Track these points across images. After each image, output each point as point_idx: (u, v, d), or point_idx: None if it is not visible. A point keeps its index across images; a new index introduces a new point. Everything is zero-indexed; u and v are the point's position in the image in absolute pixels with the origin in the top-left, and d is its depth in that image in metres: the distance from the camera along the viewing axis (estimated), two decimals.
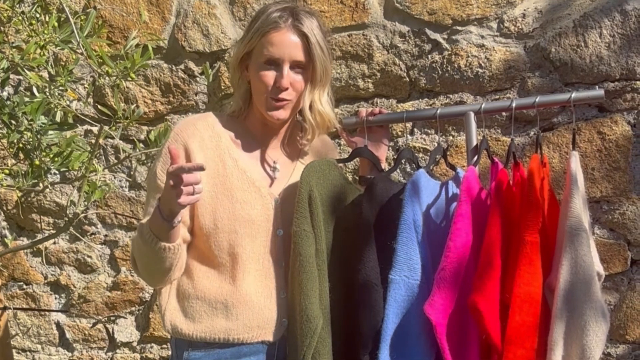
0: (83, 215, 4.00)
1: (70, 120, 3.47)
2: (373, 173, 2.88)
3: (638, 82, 3.51)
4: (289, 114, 2.66)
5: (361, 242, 2.68)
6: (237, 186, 2.62)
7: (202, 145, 2.62)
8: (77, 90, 3.90)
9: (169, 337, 2.73)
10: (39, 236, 4.18)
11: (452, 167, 2.94)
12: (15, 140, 3.26)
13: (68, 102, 3.55)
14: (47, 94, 3.39)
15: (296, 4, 2.76)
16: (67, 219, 3.82)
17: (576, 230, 2.58)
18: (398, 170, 3.59)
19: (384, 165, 2.92)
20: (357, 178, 2.90)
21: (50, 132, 3.29)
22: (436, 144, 3.19)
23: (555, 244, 2.66)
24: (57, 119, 3.37)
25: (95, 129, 4.03)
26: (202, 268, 2.62)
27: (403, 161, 3.00)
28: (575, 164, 2.69)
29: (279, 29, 2.60)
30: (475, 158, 2.81)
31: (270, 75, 2.61)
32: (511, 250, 2.64)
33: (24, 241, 4.20)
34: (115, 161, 3.98)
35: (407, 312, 2.59)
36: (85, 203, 3.64)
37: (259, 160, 2.72)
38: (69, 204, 3.98)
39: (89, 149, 3.49)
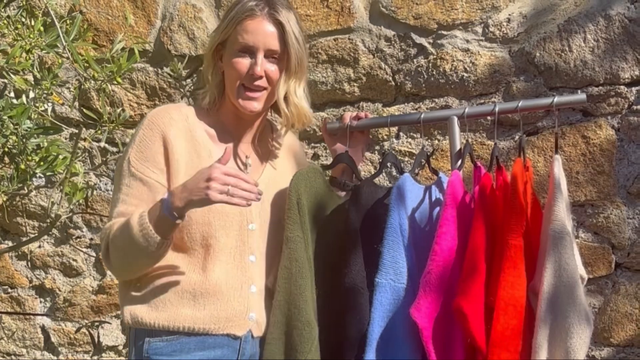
0: (67, 218, 3.99)
1: (53, 124, 3.47)
2: (345, 177, 2.88)
3: (622, 86, 3.53)
4: (261, 105, 2.64)
5: (347, 247, 2.68)
6: None
7: (178, 135, 2.59)
8: (62, 93, 3.90)
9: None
10: (24, 239, 4.17)
11: (435, 172, 2.95)
12: (0, 144, 3.26)
13: (45, 107, 3.54)
14: (34, 96, 3.39)
15: None
16: (49, 220, 3.81)
17: (560, 233, 2.59)
18: (383, 173, 3.60)
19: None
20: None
21: (36, 136, 3.29)
22: (421, 148, 3.20)
23: (539, 248, 2.68)
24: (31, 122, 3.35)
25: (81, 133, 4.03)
26: (170, 257, 2.57)
27: (388, 165, 3.00)
28: (559, 168, 2.70)
29: (254, 16, 2.59)
30: (459, 162, 2.83)
31: (244, 63, 2.59)
32: (495, 254, 2.65)
33: (9, 245, 4.19)
34: (100, 164, 3.97)
35: (393, 315, 2.60)
36: (67, 204, 3.64)
37: (232, 154, 2.69)
38: (50, 206, 3.97)
39: (69, 152, 3.49)
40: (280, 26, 2.60)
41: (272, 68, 2.62)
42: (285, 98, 2.65)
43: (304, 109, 2.69)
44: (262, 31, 2.59)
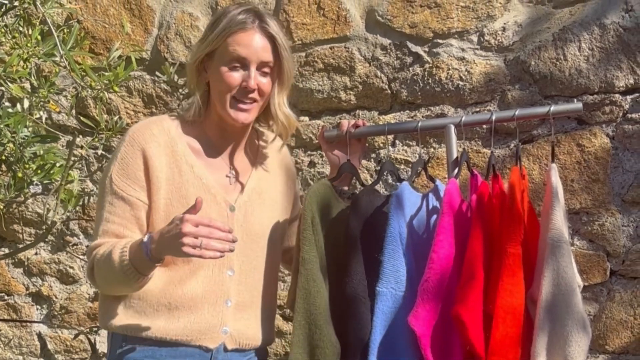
0: (64, 225, 4.00)
1: (43, 133, 3.47)
2: (342, 184, 2.89)
3: (616, 95, 3.55)
4: (252, 117, 2.65)
5: (348, 256, 2.70)
6: (192, 193, 2.60)
7: (159, 151, 2.60)
8: (59, 101, 3.90)
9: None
10: (21, 247, 4.18)
11: (432, 179, 2.96)
12: None
13: (39, 115, 3.55)
14: (32, 104, 3.40)
15: (258, 7, 2.76)
16: (45, 227, 3.82)
17: (557, 242, 2.61)
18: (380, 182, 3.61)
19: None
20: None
21: (33, 144, 3.30)
22: (417, 156, 3.21)
23: (537, 256, 2.69)
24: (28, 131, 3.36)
25: (77, 140, 4.03)
26: None
27: (385, 173, 3.02)
28: (556, 176, 2.72)
29: (246, 29, 2.60)
30: (456, 170, 2.84)
31: (236, 76, 2.60)
32: (493, 262, 2.66)
33: (5, 252, 4.19)
34: (95, 171, 3.98)
35: (394, 323, 2.61)
36: (62, 211, 3.64)
37: (215, 167, 2.70)
38: (46, 212, 3.98)
39: (64, 159, 3.49)
40: (271, 39, 2.62)
41: (264, 80, 2.63)
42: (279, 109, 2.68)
43: (293, 117, 2.72)
44: (255, 44, 2.60)
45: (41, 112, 3.56)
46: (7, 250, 4.19)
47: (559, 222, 2.62)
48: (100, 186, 2.66)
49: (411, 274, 2.66)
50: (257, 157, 2.80)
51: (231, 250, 2.39)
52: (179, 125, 2.69)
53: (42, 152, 3.37)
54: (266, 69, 2.63)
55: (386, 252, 2.65)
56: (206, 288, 2.61)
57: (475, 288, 2.59)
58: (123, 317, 2.59)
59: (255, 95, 2.62)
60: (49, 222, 3.64)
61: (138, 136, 2.61)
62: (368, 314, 2.63)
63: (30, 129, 3.35)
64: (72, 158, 3.54)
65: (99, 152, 3.90)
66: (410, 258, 2.68)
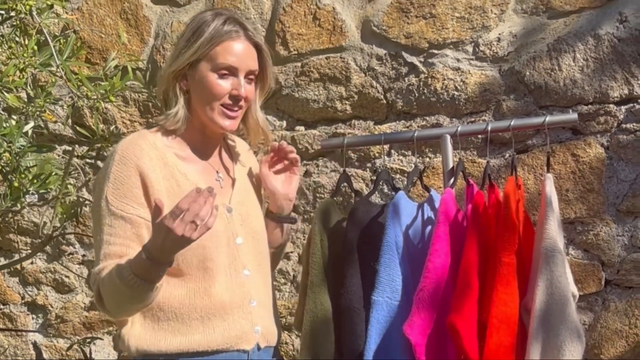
0: (60, 235, 4.00)
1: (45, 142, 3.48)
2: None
3: (611, 105, 3.56)
4: (237, 124, 2.67)
5: (345, 266, 2.72)
6: None
7: (153, 165, 2.58)
8: (55, 111, 3.91)
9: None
10: (17, 256, 4.18)
11: (427, 189, 2.98)
12: None
13: (42, 124, 3.56)
14: (28, 114, 3.40)
15: (238, 14, 2.78)
16: (42, 239, 3.82)
17: (551, 251, 2.62)
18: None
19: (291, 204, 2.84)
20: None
21: (29, 154, 3.30)
22: (413, 166, 3.23)
23: (531, 265, 2.71)
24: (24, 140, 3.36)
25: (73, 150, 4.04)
26: (169, 287, 2.56)
27: (381, 182, 3.03)
28: (550, 186, 2.73)
29: (234, 38, 2.61)
30: (452, 180, 2.86)
31: (225, 85, 2.60)
32: (488, 271, 2.67)
33: (1, 261, 4.19)
34: (92, 182, 3.99)
35: (389, 333, 2.63)
36: (59, 223, 3.64)
37: (205, 172, 2.70)
38: (42, 224, 3.98)
39: (61, 169, 3.50)
40: (257, 47, 2.65)
41: (250, 89, 2.65)
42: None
43: (266, 122, 2.76)
44: (244, 53, 2.62)
45: (36, 121, 3.57)
46: (2, 260, 4.19)
47: (553, 231, 2.63)
48: (94, 211, 2.60)
49: (407, 283, 2.67)
50: (232, 156, 2.81)
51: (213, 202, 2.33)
52: (162, 137, 2.67)
53: (38, 161, 3.37)
54: (251, 76, 2.65)
55: (382, 261, 2.66)
56: (231, 292, 2.60)
57: (469, 297, 2.60)
58: (156, 342, 2.55)
59: (242, 102, 2.64)
60: (46, 234, 3.64)
61: (128, 153, 2.57)
62: (362, 325, 2.65)
63: (27, 138, 3.35)
64: (63, 167, 3.54)
65: (94, 162, 3.90)
66: (406, 267, 2.69)
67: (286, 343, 3.87)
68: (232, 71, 2.61)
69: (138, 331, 2.58)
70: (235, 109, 2.63)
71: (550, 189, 2.72)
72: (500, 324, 2.58)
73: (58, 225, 3.69)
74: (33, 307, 4.25)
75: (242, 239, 2.65)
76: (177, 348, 2.56)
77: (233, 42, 2.61)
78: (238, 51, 2.61)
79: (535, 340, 2.60)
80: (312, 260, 2.69)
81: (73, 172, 3.93)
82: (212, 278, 2.58)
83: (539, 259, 2.64)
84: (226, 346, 2.58)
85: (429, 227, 2.84)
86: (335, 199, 2.88)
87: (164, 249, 2.35)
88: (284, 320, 3.82)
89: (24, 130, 3.30)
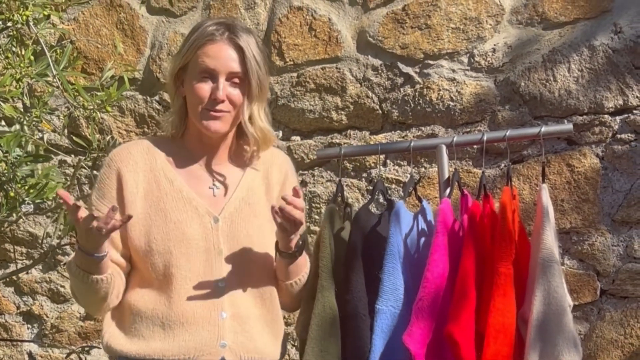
0: (57, 245, 4.00)
1: (41, 152, 3.48)
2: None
3: (606, 115, 3.58)
4: (226, 127, 2.63)
5: (350, 272, 2.73)
6: (171, 206, 2.61)
7: (136, 169, 2.63)
8: (51, 121, 3.91)
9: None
10: (12, 266, 4.17)
11: (419, 199, 2.99)
12: None
13: (40, 135, 3.56)
14: (24, 124, 3.40)
15: (234, 20, 2.77)
16: (42, 250, 3.82)
17: (548, 262, 2.63)
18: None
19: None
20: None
21: (25, 164, 3.30)
22: (409, 176, 3.24)
23: (528, 276, 2.71)
24: (28, 148, 3.37)
25: (69, 159, 4.04)
26: (141, 290, 2.61)
27: (377, 192, 3.05)
28: (546, 196, 2.74)
29: (215, 41, 2.60)
30: (449, 190, 2.87)
31: (205, 88, 2.59)
32: (485, 281, 2.68)
33: None
34: (89, 192, 3.99)
35: (393, 341, 2.64)
36: (61, 235, 3.64)
37: (198, 179, 2.69)
38: (44, 236, 3.98)
39: (63, 179, 3.50)
40: (240, 50, 2.61)
41: (235, 92, 2.61)
42: (251, 120, 2.65)
43: (268, 129, 2.70)
44: (223, 55, 2.60)
45: (39, 132, 3.57)
46: None
47: (550, 242, 2.64)
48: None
49: (408, 292, 2.68)
50: (245, 165, 2.76)
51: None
52: (159, 143, 2.71)
53: (35, 171, 3.37)
54: (236, 80, 2.62)
55: (386, 270, 2.68)
56: (197, 302, 2.59)
57: (467, 307, 2.60)
58: (123, 342, 2.61)
59: (225, 106, 2.60)
60: (47, 247, 3.63)
61: (115, 157, 2.66)
62: (368, 332, 2.66)
63: (27, 147, 3.35)
64: (64, 178, 3.54)
65: (93, 172, 3.90)
66: (407, 275, 2.71)
67: None
68: (211, 74, 2.60)
69: (111, 328, 2.65)
70: (216, 111, 2.60)
71: (546, 199, 2.73)
72: (497, 333, 2.58)
73: (61, 236, 3.69)
74: (28, 316, 4.25)
75: (226, 250, 2.63)
76: (136, 352, 2.59)
77: (212, 45, 2.60)
78: (216, 53, 2.60)
79: (533, 350, 2.60)
80: (322, 264, 2.69)
81: (72, 183, 3.93)
82: (177, 286, 2.58)
83: (536, 269, 2.65)
84: (184, 357, 2.57)
85: (423, 238, 2.85)
86: (336, 205, 2.90)
87: (81, 237, 2.44)
88: None
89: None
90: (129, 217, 2.44)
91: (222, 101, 2.59)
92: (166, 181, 2.64)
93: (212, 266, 2.61)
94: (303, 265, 2.73)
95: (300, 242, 2.65)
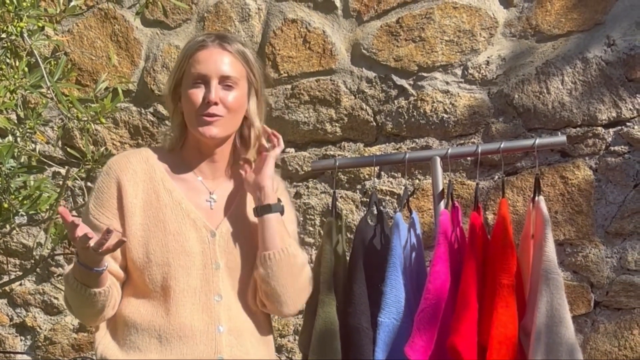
0: (50, 256, 3.99)
1: (35, 163, 3.47)
2: None
3: (599, 127, 3.59)
4: (222, 132, 2.61)
5: (352, 285, 2.73)
6: (170, 218, 2.59)
7: (135, 178, 2.60)
8: (45, 132, 3.91)
9: None
10: (5, 277, 4.17)
11: (410, 211, 2.99)
12: None
13: (32, 146, 3.56)
14: (17, 135, 3.40)
15: (227, 33, 2.78)
16: (33, 261, 3.81)
17: (551, 274, 2.64)
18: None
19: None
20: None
21: (19, 175, 3.29)
22: (403, 187, 3.24)
23: (530, 287, 2.72)
24: (21, 160, 3.37)
25: (63, 171, 4.04)
26: (137, 302, 2.59)
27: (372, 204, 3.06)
28: (545, 208, 2.76)
29: (206, 47, 2.60)
30: (446, 202, 2.88)
31: (198, 93, 2.58)
32: (486, 293, 2.68)
33: None
34: (83, 203, 3.99)
35: (396, 354, 2.64)
36: (52, 245, 3.63)
37: (196, 192, 2.67)
38: (35, 246, 3.97)
39: (57, 191, 3.49)
40: (231, 54, 2.61)
41: (229, 97, 2.59)
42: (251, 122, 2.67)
43: (255, 136, 2.71)
44: (213, 59, 2.59)
45: (32, 143, 3.57)
46: None
47: (552, 253, 2.65)
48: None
49: (409, 304, 2.69)
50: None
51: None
52: (159, 154, 2.69)
53: (31, 182, 3.36)
54: (229, 83, 2.60)
55: (388, 282, 2.69)
56: (195, 316, 2.58)
57: (469, 318, 2.61)
58: (118, 353, 2.58)
59: (218, 109, 2.58)
60: (38, 257, 3.63)
61: (114, 166, 2.63)
62: (370, 345, 2.67)
63: (21, 159, 3.35)
64: (59, 189, 3.54)
65: (84, 183, 3.90)
66: (408, 287, 2.71)
67: None
68: (203, 79, 2.59)
69: (105, 339, 2.62)
70: (210, 116, 2.58)
71: (546, 211, 2.75)
72: (500, 345, 2.59)
73: (51, 246, 3.68)
74: (22, 329, 4.24)
75: (223, 264, 2.62)
76: None
77: (203, 50, 2.60)
78: (206, 58, 2.59)
79: None
80: (324, 279, 2.70)
81: (64, 194, 3.92)
82: (175, 299, 2.57)
83: (538, 281, 2.65)
84: None
85: (415, 249, 2.86)
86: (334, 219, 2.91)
87: (79, 253, 2.42)
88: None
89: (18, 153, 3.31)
90: (122, 242, 2.40)
91: (215, 103, 2.57)
92: (165, 192, 2.63)
93: (209, 280, 2.60)
94: (282, 238, 2.63)
95: (278, 202, 2.65)
